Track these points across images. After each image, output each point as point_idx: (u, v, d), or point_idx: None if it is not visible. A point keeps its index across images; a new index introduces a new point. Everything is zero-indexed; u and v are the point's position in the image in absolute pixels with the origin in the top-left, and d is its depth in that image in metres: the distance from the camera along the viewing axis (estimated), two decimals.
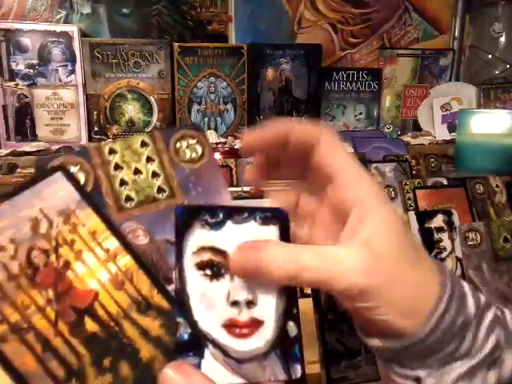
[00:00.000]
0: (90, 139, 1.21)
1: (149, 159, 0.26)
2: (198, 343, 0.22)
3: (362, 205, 0.24)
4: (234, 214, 0.24)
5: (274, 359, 0.23)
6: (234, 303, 0.23)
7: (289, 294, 0.24)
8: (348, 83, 1.39)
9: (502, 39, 1.43)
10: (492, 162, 0.97)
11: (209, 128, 1.28)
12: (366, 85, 1.41)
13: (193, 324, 0.23)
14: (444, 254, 0.65)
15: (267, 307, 0.23)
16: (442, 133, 1.38)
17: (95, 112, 1.22)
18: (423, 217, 0.66)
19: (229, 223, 0.24)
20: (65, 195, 0.23)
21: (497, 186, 0.77)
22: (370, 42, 1.45)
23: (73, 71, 1.18)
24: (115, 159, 0.25)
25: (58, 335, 0.21)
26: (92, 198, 0.24)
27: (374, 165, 0.84)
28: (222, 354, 0.23)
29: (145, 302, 0.23)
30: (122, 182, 0.25)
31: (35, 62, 1.16)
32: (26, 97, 1.15)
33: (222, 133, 1.29)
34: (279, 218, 0.25)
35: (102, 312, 0.22)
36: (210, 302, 0.23)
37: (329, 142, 0.25)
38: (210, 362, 0.22)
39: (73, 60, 1.18)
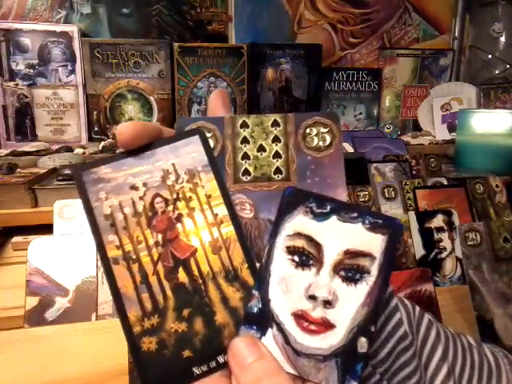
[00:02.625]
0: (90, 139, 1.21)
1: (275, 139, 0.26)
2: (264, 320, 0.23)
3: None
4: (342, 210, 0.23)
5: (332, 366, 0.22)
6: (312, 297, 0.23)
7: (371, 309, 0.23)
8: (348, 83, 1.39)
9: (502, 39, 1.43)
10: (492, 162, 0.97)
11: None
12: (366, 85, 1.41)
13: (265, 301, 0.23)
14: (444, 254, 0.65)
15: (344, 314, 0.23)
16: (441, 133, 1.38)
17: (95, 112, 1.22)
18: (423, 217, 0.66)
19: (334, 218, 0.23)
20: (195, 156, 0.25)
21: (497, 186, 0.77)
22: (370, 41, 1.45)
23: (73, 71, 1.18)
24: (245, 133, 0.26)
25: (155, 274, 0.23)
26: (217, 165, 0.25)
27: (374, 165, 0.84)
28: (283, 339, 0.23)
29: (233, 273, 0.24)
30: (245, 156, 0.26)
31: (35, 62, 1.16)
32: (26, 97, 1.15)
33: None
34: (391, 229, 0.23)
35: (195, 268, 0.24)
36: (288, 288, 0.23)
37: None
38: (270, 342, 0.23)
39: (73, 60, 1.18)
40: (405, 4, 1.46)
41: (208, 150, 0.25)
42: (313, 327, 0.22)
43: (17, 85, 1.14)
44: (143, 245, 0.24)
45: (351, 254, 0.23)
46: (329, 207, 0.23)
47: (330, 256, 0.23)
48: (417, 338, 0.28)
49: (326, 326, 0.22)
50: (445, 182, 0.79)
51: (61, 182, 0.78)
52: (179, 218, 0.24)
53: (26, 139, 1.15)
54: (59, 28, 1.17)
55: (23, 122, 1.15)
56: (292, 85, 1.33)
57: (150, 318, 0.23)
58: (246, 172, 0.26)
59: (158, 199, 0.24)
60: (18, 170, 0.87)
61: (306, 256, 0.23)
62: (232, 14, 1.32)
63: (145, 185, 0.24)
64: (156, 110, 1.25)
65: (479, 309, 0.50)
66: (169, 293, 0.23)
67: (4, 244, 0.72)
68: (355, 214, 0.23)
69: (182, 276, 0.24)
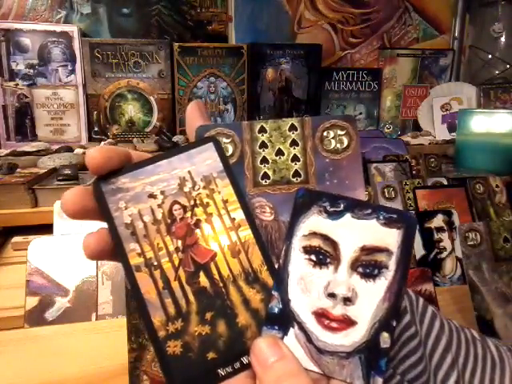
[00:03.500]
0: (90, 139, 1.21)
1: (293, 143, 0.27)
2: (285, 320, 0.23)
3: None
4: (355, 207, 0.24)
5: (356, 363, 0.22)
6: (331, 295, 0.23)
7: (392, 304, 0.23)
8: (348, 83, 1.39)
9: (502, 39, 1.43)
10: (492, 162, 0.97)
11: None
12: (366, 85, 1.41)
13: (285, 301, 0.23)
14: (444, 254, 0.65)
15: (364, 310, 0.23)
16: (441, 133, 1.38)
17: (95, 112, 1.22)
18: (423, 217, 0.66)
19: (348, 216, 0.24)
20: (211, 163, 0.26)
21: (497, 186, 0.77)
22: (370, 41, 1.45)
23: (73, 71, 1.18)
24: (263, 138, 0.27)
25: (177, 279, 0.24)
26: (233, 170, 0.26)
27: (374, 165, 0.84)
28: (305, 338, 0.23)
29: (253, 275, 0.24)
30: (264, 160, 0.27)
31: (35, 62, 1.16)
32: (26, 97, 1.15)
33: None
34: (406, 223, 0.23)
35: (215, 272, 0.24)
36: (307, 287, 0.23)
37: None
38: (292, 341, 0.23)
39: (73, 60, 1.18)
40: (405, 4, 1.46)
41: (223, 157, 0.26)
42: (334, 325, 0.23)
43: (17, 85, 1.14)
44: (164, 251, 0.24)
45: (368, 250, 0.23)
46: (342, 205, 0.24)
47: (347, 253, 0.23)
48: (421, 328, 0.28)
49: (348, 322, 0.23)
50: (445, 182, 0.79)
51: (61, 182, 0.78)
52: (197, 224, 0.25)
53: (26, 139, 1.15)
54: (59, 28, 1.17)
55: (23, 122, 1.16)
56: (292, 85, 1.33)
57: (173, 323, 0.23)
58: (266, 176, 0.27)
59: (176, 206, 0.25)
60: (18, 169, 0.87)
61: (323, 255, 0.23)
62: (232, 14, 1.32)
63: (162, 193, 0.25)
64: (156, 110, 1.25)
65: (479, 309, 0.50)
66: (191, 297, 0.24)
67: (4, 244, 0.72)
68: (369, 211, 0.24)
69: (203, 280, 0.24)
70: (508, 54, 1.42)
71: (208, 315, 0.24)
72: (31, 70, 1.16)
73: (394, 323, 0.23)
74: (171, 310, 0.23)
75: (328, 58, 1.42)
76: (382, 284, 0.23)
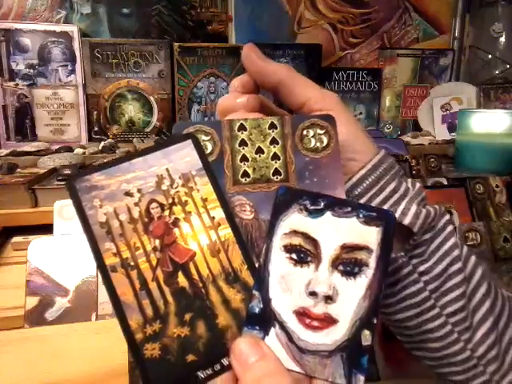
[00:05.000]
0: (90, 139, 1.21)
1: (273, 141, 0.27)
2: (266, 320, 0.23)
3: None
4: (335, 205, 0.24)
5: (337, 361, 0.22)
6: (312, 294, 0.23)
7: (372, 302, 0.23)
8: (348, 83, 1.39)
9: (502, 39, 1.43)
10: (492, 162, 0.97)
11: None
12: (366, 85, 1.41)
13: (266, 301, 0.23)
14: None
15: (346, 308, 0.23)
16: (442, 133, 1.38)
17: (95, 112, 1.22)
18: None
19: (328, 214, 0.24)
20: (189, 161, 0.25)
21: (497, 186, 0.77)
22: (370, 42, 1.45)
23: (73, 71, 1.18)
24: (242, 135, 0.27)
25: (155, 280, 0.23)
26: (212, 168, 0.25)
27: None
28: (287, 337, 0.23)
29: (233, 275, 0.24)
30: (243, 158, 0.27)
31: (35, 62, 1.16)
32: (26, 97, 1.15)
33: None
34: (385, 220, 0.24)
35: (194, 272, 0.24)
36: (288, 286, 0.23)
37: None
38: (273, 341, 0.23)
39: (73, 60, 1.18)
40: (405, 4, 1.46)
41: (202, 154, 0.25)
42: (315, 323, 0.22)
43: (17, 85, 1.14)
44: (141, 251, 0.24)
45: (348, 248, 0.23)
46: (322, 203, 0.24)
47: (328, 251, 0.23)
48: (465, 268, 0.29)
49: (329, 321, 0.23)
50: (445, 182, 0.79)
51: (61, 182, 0.78)
52: (176, 223, 0.24)
53: (26, 139, 1.15)
54: (59, 28, 1.17)
55: (23, 122, 1.15)
56: None
57: (151, 325, 0.23)
58: (245, 174, 0.27)
59: (154, 204, 0.24)
60: (18, 169, 0.87)
61: (304, 253, 0.23)
62: (232, 13, 1.32)
63: (139, 191, 0.24)
64: (156, 110, 1.25)
65: None
66: (169, 298, 0.23)
67: (4, 244, 0.72)
68: (349, 209, 0.24)
69: (182, 280, 0.24)
70: (508, 54, 1.42)
71: (187, 316, 0.23)
72: (31, 70, 1.16)
73: (375, 320, 0.23)
74: (149, 311, 0.23)
75: (328, 58, 1.42)
76: (363, 282, 0.23)
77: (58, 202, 0.63)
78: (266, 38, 1.34)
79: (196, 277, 0.24)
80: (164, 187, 0.25)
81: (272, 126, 0.27)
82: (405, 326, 0.29)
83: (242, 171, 0.27)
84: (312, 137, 0.27)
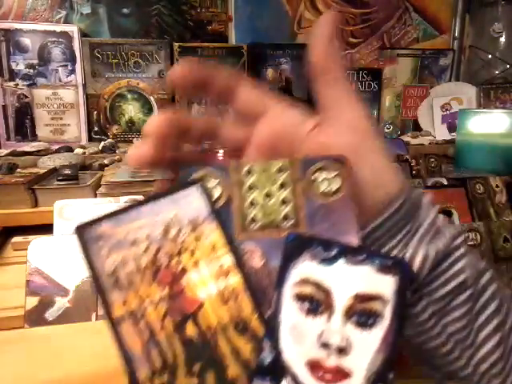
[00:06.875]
0: (90, 139, 1.21)
1: (282, 185, 0.26)
2: (277, 372, 0.22)
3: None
4: (349, 253, 0.23)
5: None
6: (325, 345, 0.22)
7: (388, 355, 0.22)
8: None
9: (502, 39, 1.43)
10: (492, 162, 0.97)
11: None
12: (366, 85, 1.41)
13: (277, 352, 0.22)
14: None
15: (360, 361, 0.22)
16: (441, 133, 1.38)
17: (95, 112, 1.22)
18: None
19: (341, 261, 0.23)
20: (197, 207, 0.25)
21: (497, 186, 0.77)
22: (370, 41, 1.45)
23: (73, 71, 1.18)
24: (250, 180, 0.26)
25: (163, 330, 0.23)
26: (220, 214, 0.25)
27: None
28: None
29: (243, 324, 0.23)
30: (252, 203, 0.26)
31: (35, 62, 1.16)
32: (26, 97, 1.15)
33: None
34: (401, 270, 0.22)
35: (203, 321, 0.23)
36: (300, 336, 0.22)
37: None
38: None
39: (73, 60, 1.18)
40: (405, 4, 1.46)
41: (209, 200, 0.25)
42: (328, 376, 0.22)
43: (17, 85, 1.14)
44: (148, 300, 0.23)
45: (362, 297, 0.22)
46: (335, 251, 0.23)
47: (341, 301, 0.22)
48: (476, 286, 0.27)
49: (342, 374, 0.22)
50: (445, 182, 0.79)
51: (61, 182, 0.78)
52: (184, 272, 0.24)
53: (26, 139, 1.15)
54: (59, 28, 1.17)
55: (23, 122, 1.16)
56: (292, 85, 1.32)
57: (160, 377, 0.22)
58: (254, 220, 0.26)
59: (161, 253, 0.24)
60: (18, 170, 0.87)
61: (316, 303, 0.22)
62: (232, 14, 1.32)
63: (147, 239, 0.24)
64: (156, 110, 1.25)
65: None
66: (178, 348, 0.23)
67: (4, 244, 0.72)
68: (363, 256, 0.23)
69: (191, 330, 0.23)
70: (508, 54, 1.42)
71: (196, 367, 0.23)
72: (31, 70, 1.16)
73: (391, 375, 0.22)
74: (157, 363, 0.22)
75: None
76: (378, 334, 0.22)
77: (58, 202, 0.63)
78: (266, 38, 1.34)
79: (205, 326, 0.23)
80: (171, 235, 0.24)
81: (280, 170, 0.26)
82: (406, 342, 0.28)
83: (250, 217, 0.25)
84: (323, 180, 0.25)
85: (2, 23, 1.13)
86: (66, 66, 1.18)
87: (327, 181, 0.25)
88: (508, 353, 0.28)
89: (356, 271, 0.22)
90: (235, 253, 0.24)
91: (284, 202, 0.26)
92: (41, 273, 0.54)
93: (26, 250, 0.55)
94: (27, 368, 0.44)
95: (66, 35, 1.17)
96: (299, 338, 0.22)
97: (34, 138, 1.16)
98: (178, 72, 0.26)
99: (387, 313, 0.22)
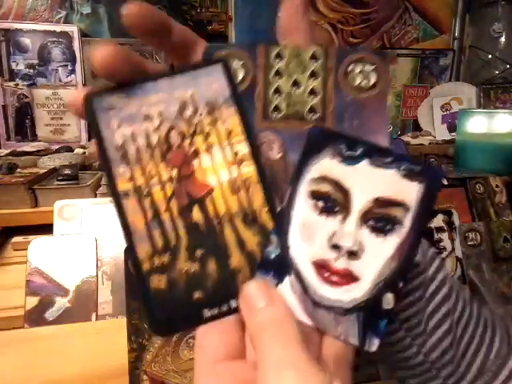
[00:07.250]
0: (90, 139, 1.21)
1: (313, 74, 0.24)
2: (281, 267, 0.21)
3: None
4: (375, 153, 0.21)
5: (352, 320, 0.21)
6: (335, 246, 0.21)
7: (401, 264, 0.21)
8: None
9: (502, 39, 1.43)
10: (492, 162, 0.97)
11: None
12: None
13: (284, 247, 0.21)
14: (444, 254, 0.65)
15: (370, 267, 0.21)
16: (442, 133, 1.38)
17: None
18: None
19: (365, 162, 0.21)
20: (217, 88, 0.23)
21: (497, 186, 0.77)
22: (370, 41, 1.45)
23: (73, 71, 1.18)
24: (279, 65, 0.24)
25: (168, 211, 0.22)
26: (241, 98, 0.23)
27: None
28: (302, 289, 0.21)
29: (252, 216, 0.22)
30: (277, 90, 0.24)
31: (35, 62, 1.16)
32: (26, 97, 1.15)
33: None
34: (429, 177, 0.21)
35: (211, 208, 0.22)
36: (310, 235, 0.21)
37: None
38: (287, 290, 0.21)
39: (73, 60, 1.18)
40: (405, 4, 1.46)
41: (231, 82, 0.23)
42: (334, 278, 0.21)
43: (17, 85, 1.14)
44: (156, 179, 0.22)
45: (382, 202, 0.21)
46: (360, 150, 0.21)
47: (359, 203, 0.21)
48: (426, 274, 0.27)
49: (350, 278, 0.21)
50: (445, 182, 0.79)
51: (61, 182, 0.78)
52: (195, 154, 0.22)
53: (26, 139, 1.15)
54: (59, 28, 1.17)
55: (23, 122, 1.15)
56: None
57: (160, 256, 0.22)
58: (277, 108, 0.24)
59: (174, 132, 0.22)
60: (18, 170, 0.87)
61: (332, 202, 0.21)
62: (232, 14, 1.32)
63: (160, 115, 0.22)
64: None
65: None
66: (181, 231, 0.22)
67: (4, 244, 0.72)
68: (390, 159, 0.21)
69: (197, 215, 0.22)
70: (508, 54, 1.42)
71: (198, 252, 0.22)
72: (31, 70, 1.16)
73: (401, 284, 0.21)
74: (159, 242, 0.22)
75: None
76: (393, 241, 0.21)
77: (58, 202, 0.63)
78: (266, 38, 1.34)
79: (212, 213, 0.22)
80: (186, 114, 0.23)
81: (314, 57, 0.24)
82: None
83: (273, 105, 0.24)
84: (359, 73, 0.23)
85: (2, 23, 1.13)
86: (66, 66, 1.18)
87: (363, 74, 0.23)
88: (458, 340, 0.27)
89: (380, 174, 0.21)
90: (252, 141, 0.23)
91: (312, 92, 0.24)
92: (41, 273, 0.54)
93: (26, 250, 0.55)
94: (27, 368, 0.44)
95: (66, 35, 1.17)
96: (309, 237, 0.21)
97: (34, 138, 1.16)
98: (135, 9, 0.22)
99: (407, 221, 0.21)
